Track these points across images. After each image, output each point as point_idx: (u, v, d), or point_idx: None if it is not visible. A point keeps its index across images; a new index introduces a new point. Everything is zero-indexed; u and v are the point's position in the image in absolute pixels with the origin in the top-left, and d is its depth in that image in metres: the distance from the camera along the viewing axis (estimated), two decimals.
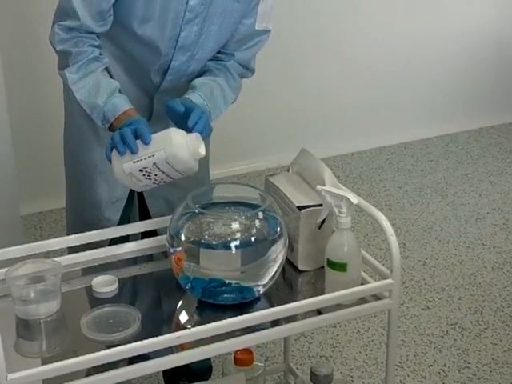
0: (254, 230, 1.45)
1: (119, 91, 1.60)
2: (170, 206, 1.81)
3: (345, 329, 2.48)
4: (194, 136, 1.46)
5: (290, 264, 1.58)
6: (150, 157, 1.44)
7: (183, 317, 1.48)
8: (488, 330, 2.47)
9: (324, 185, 1.54)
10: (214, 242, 1.43)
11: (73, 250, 1.65)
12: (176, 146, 1.44)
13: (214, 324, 1.33)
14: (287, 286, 1.58)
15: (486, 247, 2.99)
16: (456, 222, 3.19)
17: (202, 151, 1.46)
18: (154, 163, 1.44)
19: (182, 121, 1.51)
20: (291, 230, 1.55)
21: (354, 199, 1.43)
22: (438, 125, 4.04)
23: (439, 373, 2.28)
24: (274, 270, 1.45)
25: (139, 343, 1.28)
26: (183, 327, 1.40)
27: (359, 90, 3.82)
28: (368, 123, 3.87)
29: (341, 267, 1.44)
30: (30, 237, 3.10)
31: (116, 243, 1.66)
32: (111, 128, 1.58)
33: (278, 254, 1.44)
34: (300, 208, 1.55)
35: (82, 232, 1.66)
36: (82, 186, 1.82)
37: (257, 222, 1.45)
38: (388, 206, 3.31)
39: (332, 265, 1.45)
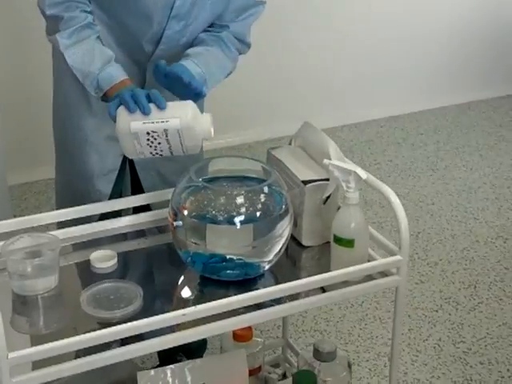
0: (260, 205, 1.41)
1: (114, 61, 1.55)
2: (163, 180, 1.77)
3: (339, 303, 2.46)
4: (209, 115, 1.42)
5: (293, 239, 1.54)
6: (162, 122, 1.39)
7: (185, 293, 1.44)
8: (482, 305, 2.47)
9: (329, 159, 1.50)
10: (218, 218, 1.38)
11: (62, 223, 1.60)
12: (192, 118, 1.39)
13: (219, 302, 1.29)
14: (291, 261, 1.54)
15: (477, 221, 2.98)
16: (448, 196, 3.18)
17: (212, 133, 1.42)
18: (165, 130, 1.39)
19: (170, 85, 1.48)
20: (295, 205, 1.51)
21: (363, 174, 1.40)
22: (428, 98, 4.02)
23: (434, 347, 2.28)
24: (280, 246, 1.42)
25: (144, 321, 1.24)
26: (186, 304, 1.37)
27: (348, 63, 3.78)
28: (357, 96, 3.84)
29: (348, 243, 1.41)
30: (15, 208, 3.05)
31: (107, 217, 1.61)
32: (104, 97, 1.53)
33: (284, 229, 1.41)
34: (305, 182, 1.51)
35: (72, 204, 1.63)
36: (71, 157, 1.77)
37: (262, 197, 1.42)
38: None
39: (339, 241, 1.42)
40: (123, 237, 1.59)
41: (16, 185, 3.19)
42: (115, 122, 1.43)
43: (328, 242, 1.50)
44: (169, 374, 1.56)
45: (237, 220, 1.38)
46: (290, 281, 1.38)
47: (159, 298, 1.43)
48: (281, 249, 1.42)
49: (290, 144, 1.68)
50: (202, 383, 1.57)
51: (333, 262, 1.45)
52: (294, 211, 1.50)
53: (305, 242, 1.54)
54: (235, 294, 1.35)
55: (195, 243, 1.40)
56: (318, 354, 1.57)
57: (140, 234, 1.60)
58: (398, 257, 1.42)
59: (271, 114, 3.65)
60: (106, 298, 1.37)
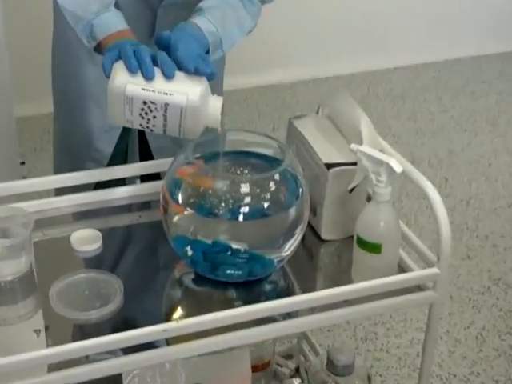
0: (269, 195, 1.16)
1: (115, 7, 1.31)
2: (174, 139, 1.54)
3: None
4: (220, 100, 1.18)
5: (310, 229, 1.29)
6: (166, 94, 1.15)
7: (176, 294, 1.22)
8: None
9: (360, 140, 1.24)
10: (219, 209, 1.14)
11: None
12: (201, 98, 1.15)
13: (210, 316, 1.06)
14: (307, 256, 1.29)
15: None
16: (507, 157, 2.85)
17: (219, 122, 1.18)
18: (166, 104, 1.15)
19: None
20: (315, 190, 1.25)
21: (398, 167, 1.12)
22: (495, 40, 3.63)
23: (476, 337, 2.03)
24: (293, 242, 1.18)
25: (114, 337, 1.03)
26: (174, 308, 1.18)
27: (404, 0, 3.42)
28: (414, 34, 3.48)
29: (374, 248, 1.15)
30: (38, 140, 2.91)
31: (107, 183, 1.40)
32: (98, 48, 1.29)
33: (298, 223, 1.17)
34: (328, 166, 1.25)
35: (70, 164, 1.51)
36: (71, 109, 1.58)
37: (273, 185, 1.16)
38: (431, 133, 2.97)
39: (363, 244, 1.16)
40: (118, 210, 1.37)
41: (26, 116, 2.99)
42: (108, 77, 1.19)
43: (351, 237, 1.25)
44: (158, 372, 1.36)
45: (241, 213, 1.13)
46: (303, 283, 1.20)
47: (143, 296, 1.20)
48: (294, 246, 1.18)
49: (316, 113, 1.40)
50: (197, 383, 1.37)
51: (355, 267, 1.20)
52: (314, 198, 1.24)
53: (324, 236, 1.29)
54: (235, 298, 1.16)
55: (189, 236, 1.17)
56: (332, 366, 1.33)
57: (138, 207, 1.38)
58: (435, 269, 1.15)
59: (320, 52, 3.34)
60: (81, 294, 1.17)
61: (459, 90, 3.32)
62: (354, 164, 1.23)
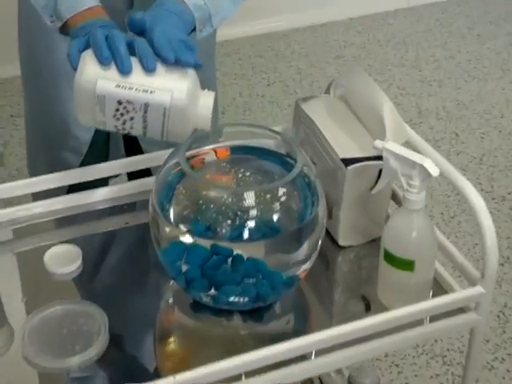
0: (279, 206, 0.97)
1: None
2: None
3: None
4: (212, 96, 0.98)
5: (326, 233, 1.10)
6: (145, 91, 0.95)
7: (171, 328, 1.04)
8: None
9: (383, 129, 1.04)
10: (219, 228, 0.95)
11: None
12: (189, 96, 0.95)
13: (213, 368, 0.87)
14: (322, 265, 1.10)
15: None
16: None
17: (209, 124, 0.98)
18: (146, 104, 0.95)
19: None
20: (330, 188, 1.06)
21: (435, 170, 0.92)
22: None
23: (498, 316, 1.88)
24: (308, 259, 1.00)
25: None
26: (169, 352, 1.00)
27: None
28: None
29: (405, 265, 0.97)
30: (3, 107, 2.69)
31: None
32: (64, 29, 1.08)
33: (315, 236, 0.99)
34: (346, 162, 1.05)
35: (44, 157, 1.38)
36: (42, 91, 1.39)
37: (286, 193, 0.97)
38: (437, 83, 2.76)
39: (391, 260, 0.97)
40: (102, 215, 1.19)
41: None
42: (75, 69, 0.98)
43: (374, 241, 1.09)
44: None
45: (245, 231, 0.95)
46: (320, 300, 1.05)
47: (132, 333, 1.01)
48: (307, 264, 1.00)
49: (327, 93, 1.20)
50: None
51: (381, 285, 1.01)
52: (329, 198, 1.05)
53: (342, 242, 1.11)
54: (242, 327, 1.01)
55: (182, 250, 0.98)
56: None
57: (127, 209, 1.20)
58: (480, 288, 0.97)
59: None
60: (57, 333, 0.99)
61: (465, 33, 3.09)
62: (376, 158, 1.03)
